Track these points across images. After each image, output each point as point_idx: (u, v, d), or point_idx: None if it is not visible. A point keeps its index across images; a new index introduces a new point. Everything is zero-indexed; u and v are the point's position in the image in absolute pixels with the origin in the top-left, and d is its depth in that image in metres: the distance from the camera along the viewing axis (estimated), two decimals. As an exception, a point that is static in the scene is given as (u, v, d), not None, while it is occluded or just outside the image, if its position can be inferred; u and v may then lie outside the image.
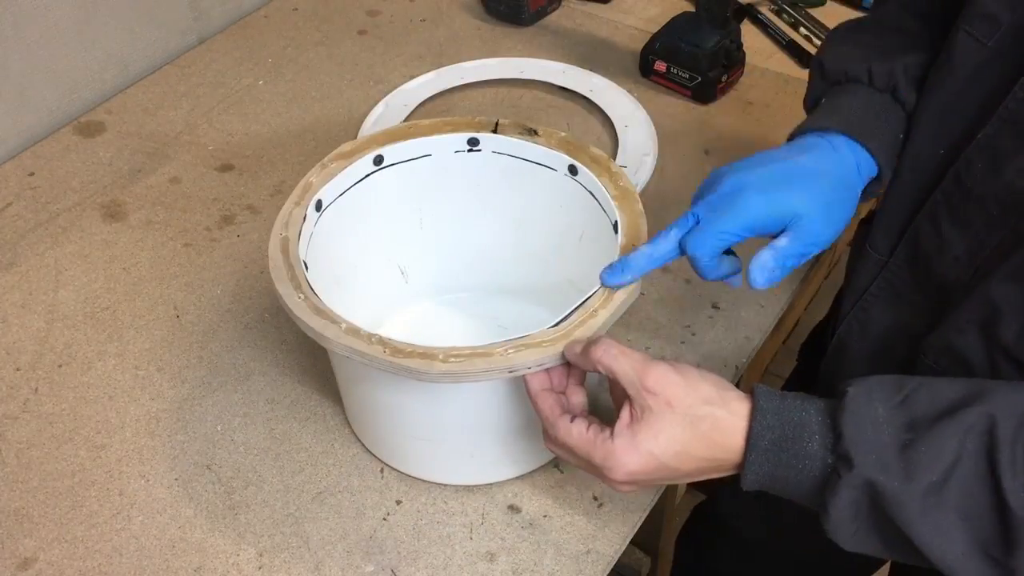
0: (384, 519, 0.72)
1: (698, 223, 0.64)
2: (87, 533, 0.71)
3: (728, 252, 0.66)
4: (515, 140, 0.75)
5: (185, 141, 1.05)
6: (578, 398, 0.62)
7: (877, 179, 0.69)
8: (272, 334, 0.85)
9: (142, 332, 0.85)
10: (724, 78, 1.08)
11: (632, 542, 0.75)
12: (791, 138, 0.71)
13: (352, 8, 1.26)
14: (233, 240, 0.94)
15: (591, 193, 0.72)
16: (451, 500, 0.73)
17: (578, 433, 0.59)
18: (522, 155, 0.75)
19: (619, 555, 0.70)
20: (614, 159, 1.00)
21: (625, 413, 0.57)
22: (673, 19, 1.11)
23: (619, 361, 0.58)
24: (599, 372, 0.59)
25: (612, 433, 0.57)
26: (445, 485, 0.73)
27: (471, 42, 1.19)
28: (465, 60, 1.14)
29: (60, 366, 0.83)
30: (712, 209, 0.63)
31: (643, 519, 0.72)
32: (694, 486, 1.19)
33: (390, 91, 1.10)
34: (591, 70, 1.12)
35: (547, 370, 0.62)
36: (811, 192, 0.63)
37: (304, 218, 0.69)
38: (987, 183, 0.60)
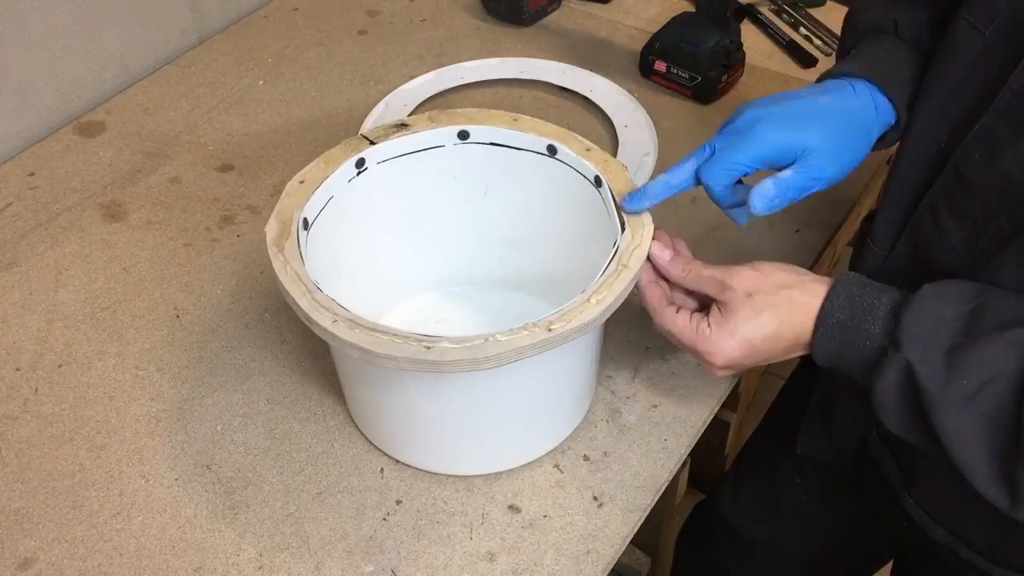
0: (384, 519, 0.72)
1: (714, 154, 0.68)
2: (87, 533, 0.71)
3: (739, 183, 0.70)
4: (394, 140, 0.75)
5: (185, 141, 1.05)
6: (680, 292, 0.69)
7: (895, 127, 0.71)
8: (272, 334, 0.85)
9: (142, 332, 0.85)
10: (724, 78, 1.08)
11: (632, 542, 0.75)
12: (817, 83, 0.74)
13: (352, 8, 1.26)
14: (233, 240, 0.94)
15: (494, 144, 0.76)
16: (451, 500, 0.73)
17: (682, 323, 0.66)
18: (407, 150, 0.76)
19: (619, 555, 0.70)
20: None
21: (715, 309, 0.65)
22: (673, 19, 1.11)
23: (703, 272, 0.66)
24: (687, 279, 0.67)
25: (709, 324, 0.64)
26: (461, 477, 0.74)
27: (471, 42, 1.19)
28: (465, 60, 1.14)
29: (60, 366, 0.83)
30: (728, 141, 0.67)
31: (643, 519, 0.73)
32: (694, 485, 1.19)
33: (390, 91, 1.10)
34: (591, 70, 1.12)
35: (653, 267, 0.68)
36: (823, 128, 0.66)
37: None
38: (985, 173, 0.60)
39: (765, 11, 1.23)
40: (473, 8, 1.25)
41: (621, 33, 1.20)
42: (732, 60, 1.07)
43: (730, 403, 1.16)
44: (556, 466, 0.75)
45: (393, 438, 0.75)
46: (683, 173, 0.69)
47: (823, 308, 0.61)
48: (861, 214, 0.88)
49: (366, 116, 1.07)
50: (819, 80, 0.73)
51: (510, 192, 0.79)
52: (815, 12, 1.23)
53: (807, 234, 0.93)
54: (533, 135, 0.75)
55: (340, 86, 1.13)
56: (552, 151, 0.74)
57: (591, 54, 1.16)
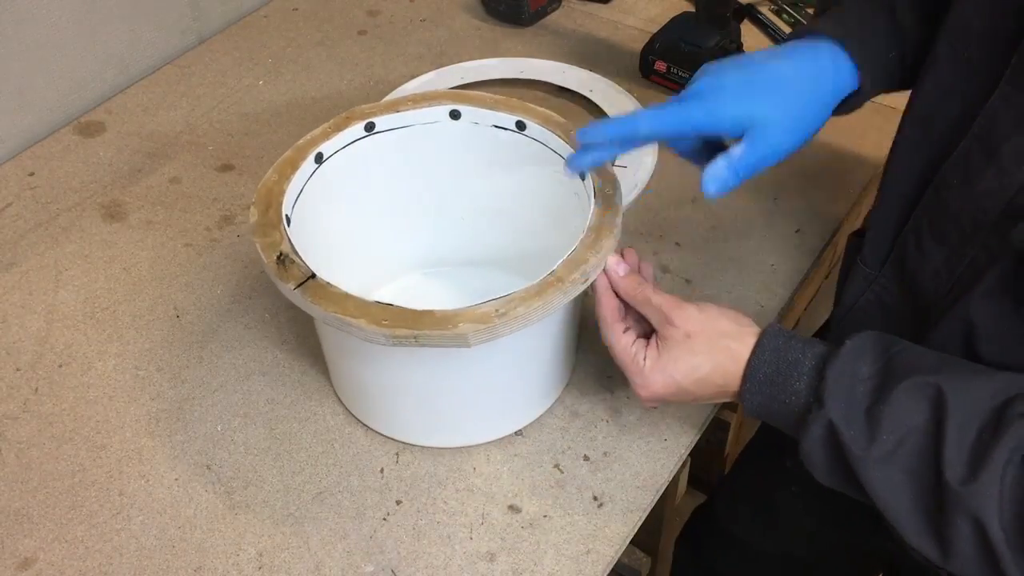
0: (384, 519, 0.72)
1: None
2: (87, 533, 0.71)
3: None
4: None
5: (185, 141, 1.05)
6: (634, 313, 0.69)
7: (858, 93, 0.69)
8: (272, 334, 0.85)
9: (142, 332, 0.85)
10: (724, 78, 1.07)
11: (632, 542, 0.75)
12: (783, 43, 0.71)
13: (352, 8, 1.26)
14: (233, 240, 0.94)
15: (543, 144, 0.76)
16: (451, 500, 0.73)
17: (623, 344, 0.67)
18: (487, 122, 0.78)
19: (619, 555, 0.70)
20: (613, 160, 1.00)
21: (654, 342, 0.66)
22: (673, 19, 1.11)
23: (652, 297, 0.66)
24: (634, 300, 0.67)
25: (645, 356, 0.65)
26: (462, 476, 0.74)
27: (471, 42, 1.19)
28: (465, 60, 1.14)
29: (60, 366, 0.83)
30: (683, 101, 0.65)
31: (643, 519, 0.73)
32: (694, 486, 1.19)
33: (390, 91, 1.10)
34: (591, 70, 1.12)
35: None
36: (781, 99, 0.64)
37: (290, 184, 0.71)
38: (961, 199, 0.60)
39: (765, 11, 1.23)
40: (473, 8, 1.25)
41: (621, 33, 1.20)
42: (732, 60, 1.07)
43: (730, 403, 1.16)
44: (556, 466, 0.75)
45: (379, 414, 0.76)
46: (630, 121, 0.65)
47: (749, 364, 0.62)
48: (853, 228, 0.87)
49: (366, 116, 1.07)
50: (788, 38, 0.71)
51: (495, 171, 0.80)
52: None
53: (807, 234, 0.93)
54: (530, 120, 0.76)
55: (340, 86, 1.13)
56: (528, 132, 0.76)
57: (591, 54, 1.16)
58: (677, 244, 0.92)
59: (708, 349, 0.64)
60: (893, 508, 0.56)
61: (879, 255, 0.70)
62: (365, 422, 0.77)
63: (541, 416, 0.78)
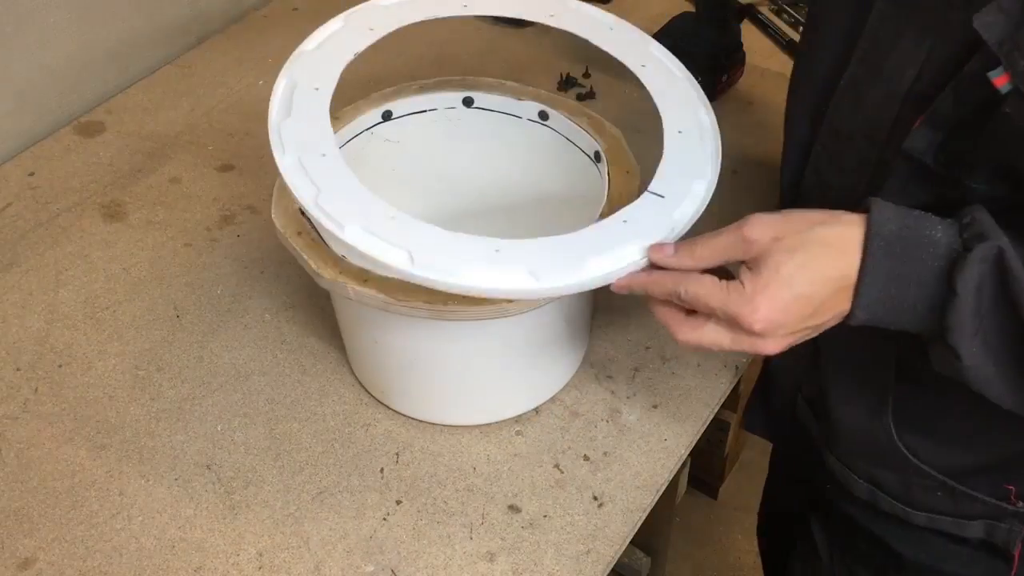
0: (384, 519, 0.72)
1: None
2: (87, 533, 0.71)
3: None
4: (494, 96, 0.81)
5: (185, 141, 1.05)
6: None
7: None
8: (272, 334, 0.85)
9: (142, 332, 0.85)
10: (724, 78, 1.08)
11: (632, 542, 0.75)
12: None
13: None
14: (233, 240, 0.94)
15: (564, 136, 0.79)
16: (451, 500, 0.73)
17: (710, 283, 0.57)
18: (504, 110, 0.82)
19: (619, 555, 0.71)
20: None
21: (744, 271, 0.56)
22: (673, 19, 1.11)
23: (716, 240, 0.57)
24: (701, 268, 0.58)
25: (741, 282, 0.56)
26: (462, 476, 0.74)
27: (471, 42, 1.19)
28: (465, 60, 1.14)
29: (60, 366, 0.83)
30: None
31: (643, 519, 0.73)
32: (693, 486, 1.19)
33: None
34: (591, 70, 1.11)
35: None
36: None
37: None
38: (855, 122, 0.63)
39: (765, 11, 1.23)
40: (473, 8, 1.25)
41: (621, 33, 1.20)
42: (732, 60, 1.07)
43: (730, 403, 1.16)
44: (556, 466, 0.75)
45: (393, 388, 0.78)
46: None
47: (871, 224, 0.53)
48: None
49: (366, 116, 1.07)
50: None
51: (506, 159, 0.82)
52: (815, 12, 1.23)
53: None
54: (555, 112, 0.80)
55: (340, 86, 1.12)
56: (544, 116, 0.80)
57: (591, 54, 1.16)
58: (677, 244, 0.92)
59: (805, 242, 0.55)
60: None
61: (787, 200, 0.72)
62: (387, 403, 0.79)
63: (541, 416, 0.78)
